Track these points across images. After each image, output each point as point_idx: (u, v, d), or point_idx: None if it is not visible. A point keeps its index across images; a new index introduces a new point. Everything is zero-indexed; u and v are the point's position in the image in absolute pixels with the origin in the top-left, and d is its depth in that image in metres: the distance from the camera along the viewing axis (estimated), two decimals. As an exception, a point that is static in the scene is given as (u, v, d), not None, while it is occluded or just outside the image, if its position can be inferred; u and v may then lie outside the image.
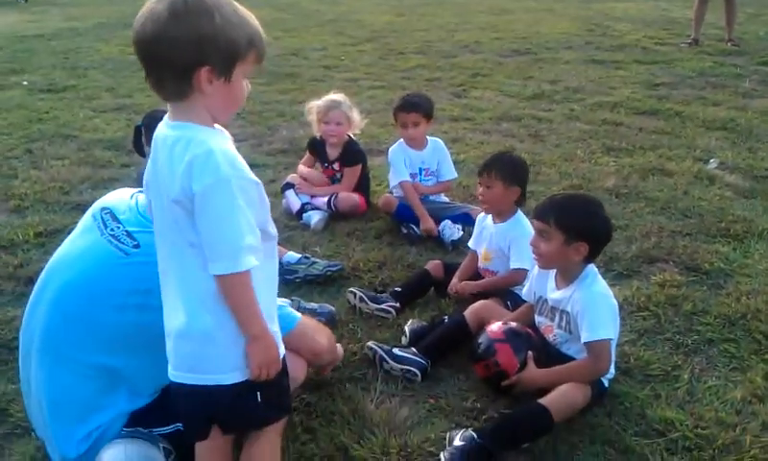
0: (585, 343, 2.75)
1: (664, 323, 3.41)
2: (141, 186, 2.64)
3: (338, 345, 3.00)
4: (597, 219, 2.86)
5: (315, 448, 2.61)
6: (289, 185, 4.89)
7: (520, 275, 3.38)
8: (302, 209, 4.72)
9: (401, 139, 4.66)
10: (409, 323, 3.35)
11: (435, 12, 15.05)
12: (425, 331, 3.26)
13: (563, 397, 2.66)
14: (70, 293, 2.33)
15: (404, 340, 3.26)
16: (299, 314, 2.62)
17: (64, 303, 2.32)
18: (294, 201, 4.80)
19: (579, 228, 2.79)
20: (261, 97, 8.14)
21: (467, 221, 4.34)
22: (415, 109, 4.56)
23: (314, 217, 4.62)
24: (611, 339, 2.77)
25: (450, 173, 4.72)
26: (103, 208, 2.50)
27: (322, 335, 2.77)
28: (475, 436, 2.54)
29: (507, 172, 3.47)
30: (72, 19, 15.08)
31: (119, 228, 2.38)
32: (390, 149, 4.76)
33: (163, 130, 1.91)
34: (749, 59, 9.67)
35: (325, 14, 15.10)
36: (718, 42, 10.69)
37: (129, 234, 2.35)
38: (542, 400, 2.64)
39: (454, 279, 3.63)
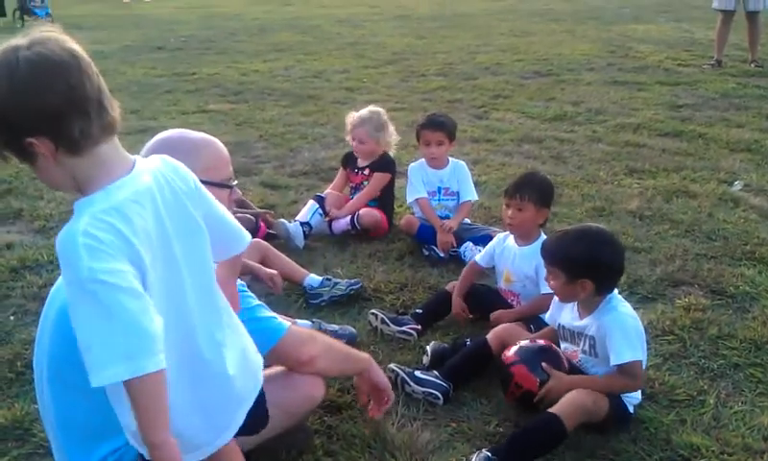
0: (615, 366, 2.73)
1: (689, 347, 3.37)
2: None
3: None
4: (600, 254, 2.81)
5: (336, 471, 2.60)
6: (320, 198, 4.89)
7: (548, 300, 3.34)
8: (302, 223, 4.68)
9: (422, 159, 4.67)
10: (431, 344, 3.33)
11: (455, 35, 15.10)
12: (447, 352, 3.25)
13: (571, 402, 2.64)
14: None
15: (425, 360, 3.25)
16: (286, 323, 2.56)
17: (65, 325, 2.31)
18: (305, 212, 4.78)
19: (579, 266, 2.77)
20: (284, 119, 8.21)
21: (487, 243, 4.34)
22: (440, 128, 4.60)
23: (294, 234, 4.58)
24: (640, 361, 2.75)
25: (470, 194, 4.70)
26: None
27: (311, 345, 2.64)
28: (490, 455, 2.53)
29: (539, 194, 3.44)
30: (98, 42, 15.27)
31: None
32: (410, 165, 4.78)
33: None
34: (773, 80, 9.60)
35: (346, 38, 15.19)
36: (741, 63, 10.62)
37: None
38: (552, 409, 2.63)
39: (457, 298, 3.57)
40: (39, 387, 2.42)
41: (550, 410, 2.63)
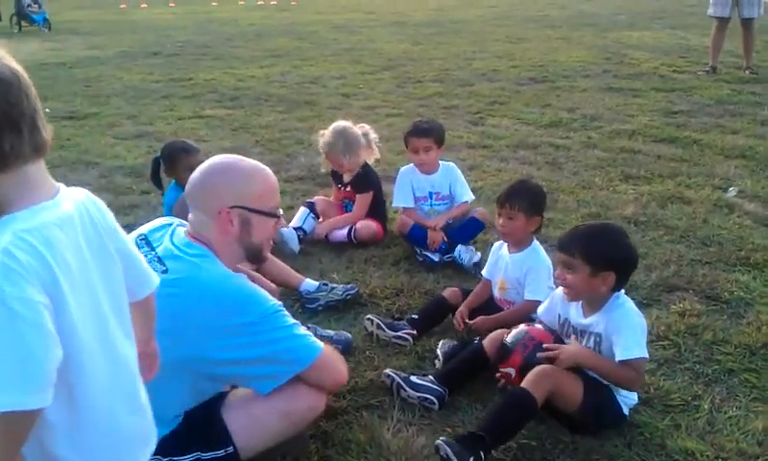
0: (622, 361, 2.74)
1: (684, 352, 3.38)
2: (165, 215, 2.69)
3: None
4: (622, 247, 2.85)
5: (332, 476, 2.60)
6: (310, 204, 4.93)
7: (534, 306, 3.36)
8: (296, 227, 4.71)
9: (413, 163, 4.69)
10: (440, 344, 3.35)
11: (451, 41, 15.13)
12: (457, 350, 3.27)
13: (537, 373, 2.72)
14: None
15: (438, 364, 3.26)
16: (321, 344, 2.59)
17: None
18: (297, 218, 4.82)
19: (605, 258, 2.77)
20: (280, 125, 8.22)
21: (476, 226, 4.39)
22: (426, 134, 4.56)
23: (288, 238, 4.59)
24: (645, 358, 2.79)
25: (466, 195, 4.68)
26: (139, 236, 2.55)
27: (342, 363, 2.73)
28: (447, 440, 2.60)
29: (529, 203, 3.45)
30: (94, 48, 15.30)
31: (151, 253, 2.41)
32: (401, 169, 4.78)
33: None
34: (767, 86, 9.64)
35: (343, 44, 15.23)
36: (736, 70, 10.66)
37: (159, 260, 2.38)
38: (524, 384, 2.69)
39: (462, 308, 3.59)
40: None
41: (523, 385, 2.69)
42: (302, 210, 4.89)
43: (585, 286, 2.82)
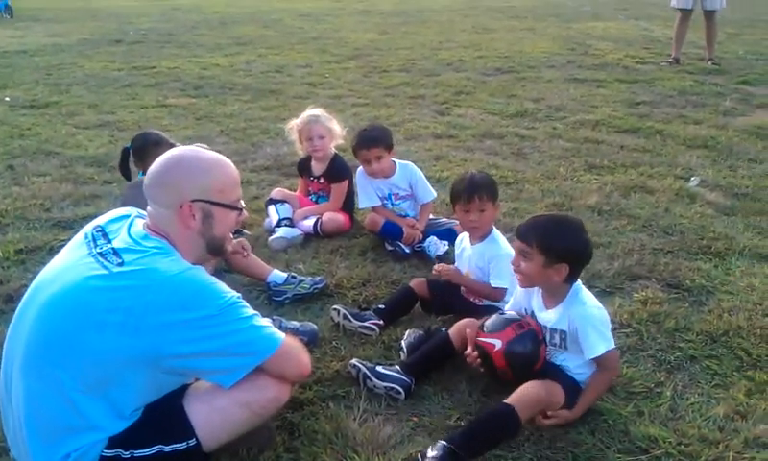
0: (593, 360, 2.79)
1: (647, 340, 3.42)
2: (123, 206, 2.63)
3: None
4: (578, 241, 2.87)
5: (298, 467, 2.59)
6: (272, 201, 4.87)
7: (500, 293, 3.43)
8: (279, 224, 4.67)
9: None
10: (405, 336, 3.35)
11: (418, 31, 15.13)
12: (423, 340, 3.27)
13: (526, 393, 2.71)
14: (53, 309, 2.30)
15: (402, 356, 3.26)
16: (282, 335, 2.57)
17: (47, 318, 2.30)
18: (273, 216, 4.76)
19: (560, 250, 2.80)
20: (245, 114, 8.15)
21: (451, 236, 4.36)
22: (375, 143, 4.47)
23: (276, 235, 4.57)
24: (614, 349, 2.83)
25: (428, 195, 4.63)
26: (95, 227, 2.50)
27: (304, 354, 2.67)
28: (446, 444, 2.56)
29: (491, 191, 3.50)
30: (55, 35, 15.02)
31: (107, 245, 2.37)
32: (358, 171, 4.70)
33: None
34: (729, 78, 9.79)
35: (309, 32, 15.13)
36: (699, 61, 10.82)
37: (115, 252, 2.34)
38: (507, 400, 2.69)
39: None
40: (8, 379, 2.38)
41: (506, 402, 2.68)
42: (271, 208, 4.81)
43: (538, 275, 2.85)
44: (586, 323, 2.80)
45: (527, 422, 2.71)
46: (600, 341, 2.78)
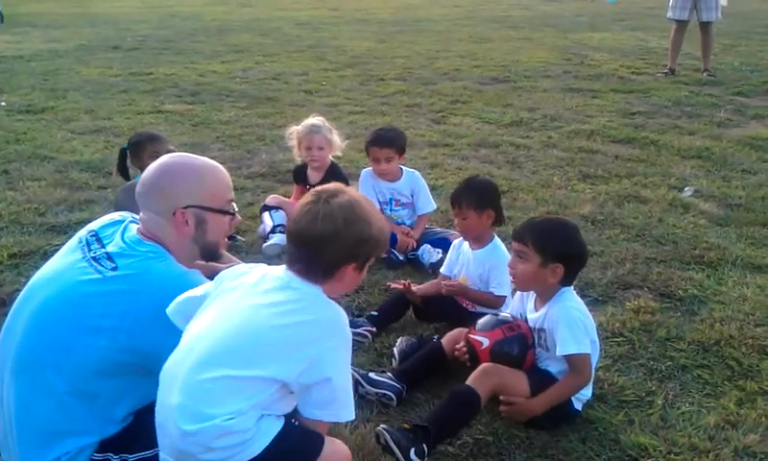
0: (563, 356, 2.79)
1: (639, 349, 3.43)
2: (117, 210, 2.63)
3: None
4: (574, 243, 2.91)
5: (288, 473, 2.58)
6: (267, 207, 4.87)
7: (499, 301, 3.43)
8: (273, 231, 4.67)
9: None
10: (398, 343, 3.36)
11: (415, 40, 15.16)
12: (415, 348, 3.28)
13: (483, 371, 2.83)
14: (46, 312, 2.30)
15: (394, 363, 3.27)
16: None
17: (40, 322, 2.30)
18: (268, 222, 4.76)
19: (555, 250, 2.82)
20: (241, 121, 8.16)
21: (445, 246, 4.36)
22: (388, 144, 4.49)
23: (270, 241, 4.58)
24: (586, 353, 2.81)
25: (428, 206, 4.65)
26: (89, 232, 2.50)
27: None
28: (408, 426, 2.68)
29: (477, 198, 3.48)
30: (52, 41, 15.02)
31: (101, 250, 2.37)
32: (363, 171, 4.73)
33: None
34: (724, 89, 9.83)
35: (306, 40, 15.15)
36: (694, 72, 10.85)
37: (109, 257, 2.34)
38: (468, 381, 2.79)
39: (416, 288, 3.66)
40: None
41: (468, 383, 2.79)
42: (266, 214, 4.81)
43: (533, 276, 2.86)
44: (561, 320, 2.81)
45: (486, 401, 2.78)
46: (572, 341, 2.78)
